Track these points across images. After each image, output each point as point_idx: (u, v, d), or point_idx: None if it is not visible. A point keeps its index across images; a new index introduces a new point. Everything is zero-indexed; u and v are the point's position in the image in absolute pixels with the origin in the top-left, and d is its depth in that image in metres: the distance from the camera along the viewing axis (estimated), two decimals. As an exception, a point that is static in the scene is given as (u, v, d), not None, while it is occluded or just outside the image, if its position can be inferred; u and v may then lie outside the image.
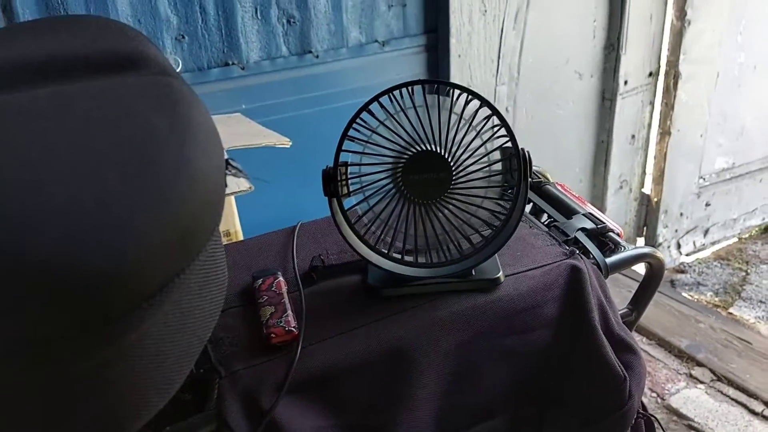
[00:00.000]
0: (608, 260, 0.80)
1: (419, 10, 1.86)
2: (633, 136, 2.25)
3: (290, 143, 1.38)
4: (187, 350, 0.49)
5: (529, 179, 0.69)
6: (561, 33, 1.99)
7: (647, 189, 2.38)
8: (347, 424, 0.66)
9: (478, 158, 0.68)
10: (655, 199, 2.35)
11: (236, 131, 1.43)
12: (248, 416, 0.62)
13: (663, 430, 0.76)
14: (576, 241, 0.81)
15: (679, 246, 2.50)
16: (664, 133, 2.27)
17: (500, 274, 0.73)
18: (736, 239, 2.68)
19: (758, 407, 1.84)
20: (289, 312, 0.69)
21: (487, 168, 0.69)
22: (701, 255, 2.59)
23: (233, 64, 1.61)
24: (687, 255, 2.54)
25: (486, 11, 1.86)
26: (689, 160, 2.34)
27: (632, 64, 2.10)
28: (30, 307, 0.36)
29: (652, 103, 2.23)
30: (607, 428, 0.72)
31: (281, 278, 0.74)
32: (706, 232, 2.55)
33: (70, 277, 0.36)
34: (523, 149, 0.68)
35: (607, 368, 0.71)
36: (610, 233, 0.84)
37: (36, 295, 0.36)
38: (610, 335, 0.73)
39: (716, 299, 2.37)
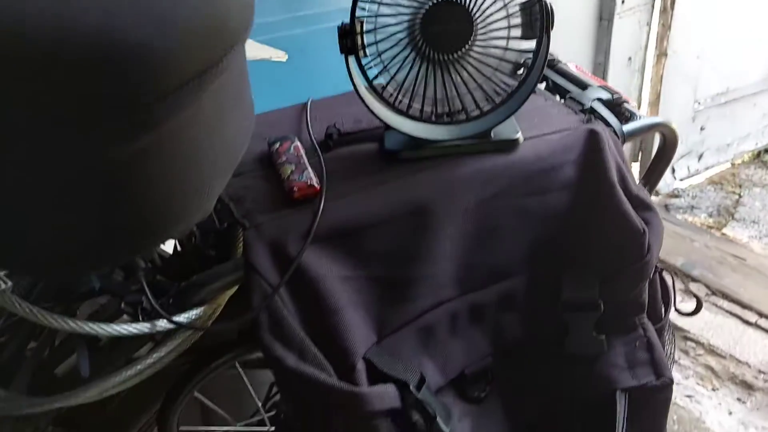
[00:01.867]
0: (624, 128, 0.80)
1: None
2: (630, 58, 2.23)
3: (286, 57, 1.36)
4: (224, 157, 0.48)
5: (551, 31, 0.68)
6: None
7: (643, 112, 2.37)
8: (371, 276, 0.66)
9: (499, 8, 0.67)
10: (651, 123, 2.34)
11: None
12: (276, 263, 0.62)
13: (674, 285, 0.77)
14: (592, 110, 0.80)
15: (673, 171, 2.51)
16: (661, 54, 2.24)
17: (519, 135, 0.73)
18: (729, 164, 2.69)
19: (752, 318, 1.88)
20: (310, 170, 0.68)
21: (508, 18, 0.67)
22: (695, 180, 2.60)
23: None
24: (681, 180, 2.55)
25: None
26: (685, 83, 2.33)
27: (630, -18, 2.06)
28: (76, 83, 0.35)
29: (649, 24, 2.20)
30: (627, 281, 0.73)
31: (298, 142, 0.73)
32: (700, 157, 2.56)
33: (114, 50, 0.35)
34: (544, 0, 0.67)
35: (627, 223, 0.71)
36: (626, 104, 0.83)
37: (82, 71, 0.35)
38: (628, 194, 0.73)
39: (710, 221, 2.40)
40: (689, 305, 1.87)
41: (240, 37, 0.44)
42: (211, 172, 0.48)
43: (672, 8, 2.17)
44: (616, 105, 0.82)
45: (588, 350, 0.73)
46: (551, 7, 0.68)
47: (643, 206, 0.74)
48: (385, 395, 0.61)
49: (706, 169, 2.62)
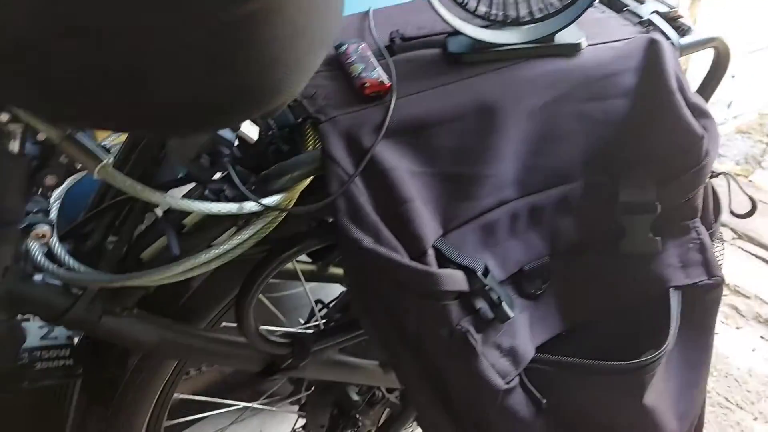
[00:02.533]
0: (681, 41, 0.81)
1: None
2: None
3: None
4: (321, 33, 0.50)
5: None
6: None
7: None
8: (437, 173, 0.69)
9: None
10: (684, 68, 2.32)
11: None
12: (350, 154, 0.64)
13: (739, 186, 0.79)
14: (650, 23, 0.81)
15: (702, 118, 2.49)
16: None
17: (582, 40, 0.74)
18: (757, 114, 2.68)
19: (777, 260, 1.91)
20: (379, 68, 0.70)
21: None
22: (723, 129, 2.59)
23: None
24: (710, 127, 2.54)
25: None
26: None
27: None
28: None
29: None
30: (684, 185, 0.75)
31: (365, 44, 0.75)
32: (729, 105, 2.54)
33: None
34: None
35: (686, 128, 0.73)
36: (681, 18, 0.84)
37: None
38: (686, 101, 0.75)
39: (737, 169, 2.40)
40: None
41: None
42: (310, 46, 0.50)
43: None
44: (672, 19, 0.83)
45: (643, 250, 0.75)
46: None
47: (700, 113, 0.76)
48: (456, 278, 0.64)
49: (735, 118, 2.61)
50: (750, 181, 2.32)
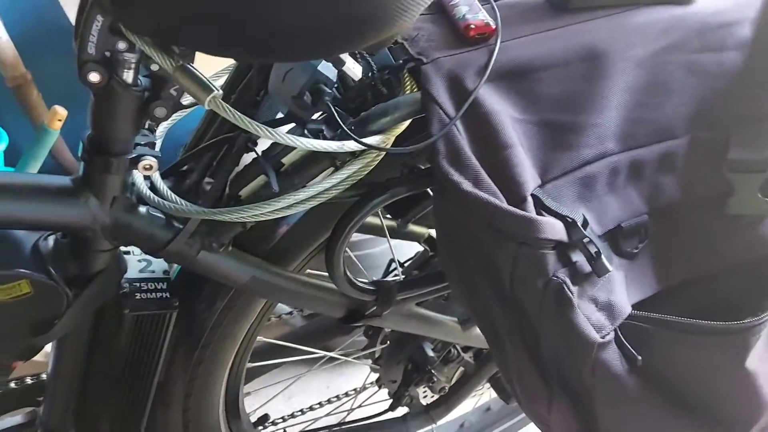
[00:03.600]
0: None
1: None
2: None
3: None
4: None
5: None
6: None
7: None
8: (539, 121, 0.67)
9: None
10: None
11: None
12: (453, 96, 0.63)
13: None
14: (770, -29, 0.76)
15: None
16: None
17: (697, -14, 0.70)
18: None
19: None
20: (483, 11, 0.68)
21: None
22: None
23: None
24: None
25: None
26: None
27: None
28: None
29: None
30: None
31: (468, -13, 0.73)
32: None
33: None
34: None
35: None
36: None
37: None
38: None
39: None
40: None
41: None
42: None
43: None
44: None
45: (751, 211, 0.72)
46: None
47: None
48: (555, 226, 0.63)
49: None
50: None
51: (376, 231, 0.96)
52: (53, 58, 1.49)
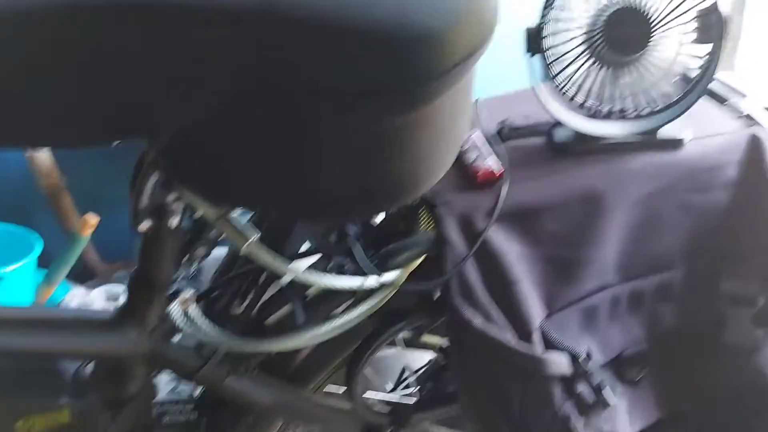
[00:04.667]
0: (786, 134, 0.83)
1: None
2: None
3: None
4: (460, 131, 0.57)
5: (724, 39, 0.72)
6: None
7: None
8: (543, 256, 0.73)
9: (677, 15, 0.72)
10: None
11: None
12: (464, 236, 0.70)
13: None
14: (751, 117, 0.83)
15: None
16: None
17: (684, 135, 0.78)
18: None
19: None
20: (490, 156, 0.76)
21: (685, 25, 0.72)
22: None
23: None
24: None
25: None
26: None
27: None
28: (363, 58, 0.44)
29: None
30: (790, 280, 0.76)
31: (477, 132, 0.81)
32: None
33: (401, 32, 0.44)
34: (720, 9, 0.72)
35: (792, 222, 0.75)
36: (785, 112, 0.86)
37: (376, 51, 0.44)
38: (791, 195, 0.76)
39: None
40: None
41: (492, 31, 0.52)
42: (451, 144, 0.56)
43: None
44: (775, 112, 0.85)
45: (745, 342, 0.76)
46: (728, 16, 0.72)
47: (806, 209, 0.77)
48: (561, 362, 0.67)
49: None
50: None
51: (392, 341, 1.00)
52: (86, 166, 1.59)
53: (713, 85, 0.90)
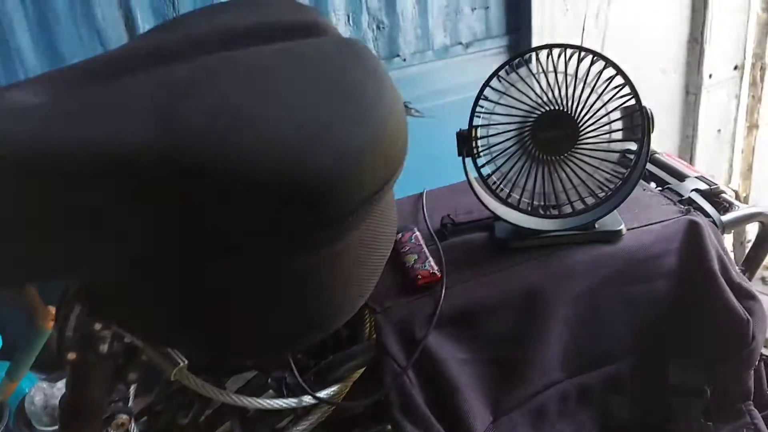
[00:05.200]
0: (723, 218, 0.84)
1: (501, 12, 1.91)
2: (719, 131, 2.23)
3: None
4: (378, 260, 0.57)
5: (651, 134, 0.74)
6: (643, 29, 2.01)
7: (735, 184, 2.34)
8: (487, 359, 0.72)
9: (602, 116, 0.74)
10: (744, 195, 2.31)
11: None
12: (403, 345, 0.69)
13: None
14: (691, 201, 0.85)
15: (769, 242, 2.44)
16: (752, 126, 2.24)
17: (622, 226, 0.78)
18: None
19: None
20: (431, 259, 0.76)
21: (610, 124, 0.74)
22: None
23: (327, 69, 1.70)
24: (778, 251, 2.47)
25: (567, 9, 1.90)
26: (778, 154, 2.30)
27: (717, 57, 2.09)
28: (266, 206, 0.44)
29: (738, 97, 2.21)
30: (732, 369, 0.75)
31: (418, 232, 0.81)
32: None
33: (302, 178, 0.44)
34: (645, 106, 0.74)
35: (730, 312, 0.75)
36: (723, 194, 0.87)
37: (276, 195, 0.44)
38: (730, 283, 0.77)
39: (812, 294, 2.31)
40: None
41: (402, 162, 0.53)
42: (371, 273, 0.56)
43: (762, 81, 2.17)
44: (713, 196, 0.87)
45: (697, 435, 0.75)
46: (651, 112, 0.74)
47: (746, 295, 0.77)
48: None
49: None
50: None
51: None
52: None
53: (654, 170, 0.92)
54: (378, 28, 1.76)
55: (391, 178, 0.50)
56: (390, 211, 0.58)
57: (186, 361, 0.62)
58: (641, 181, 0.92)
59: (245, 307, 0.50)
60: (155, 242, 0.46)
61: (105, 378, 0.64)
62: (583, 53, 0.74)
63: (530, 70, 0.75)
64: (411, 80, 1.83)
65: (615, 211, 0.79)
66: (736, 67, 2.16)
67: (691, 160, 2.21)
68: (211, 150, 0.43)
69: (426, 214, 0.86)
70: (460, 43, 1.88)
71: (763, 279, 2.40)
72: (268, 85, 0.48)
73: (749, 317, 0.75)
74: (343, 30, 1.69)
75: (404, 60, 1.80)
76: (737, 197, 2.35)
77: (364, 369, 0.72)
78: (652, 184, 0.93)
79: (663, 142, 2.19)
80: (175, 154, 0.44)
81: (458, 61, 1.87)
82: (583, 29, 1.98)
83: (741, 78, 2.19)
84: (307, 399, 0.67)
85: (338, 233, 0.47)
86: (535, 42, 1.89)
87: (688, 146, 2.21)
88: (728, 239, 2.30)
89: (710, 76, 2.12)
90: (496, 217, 0.80)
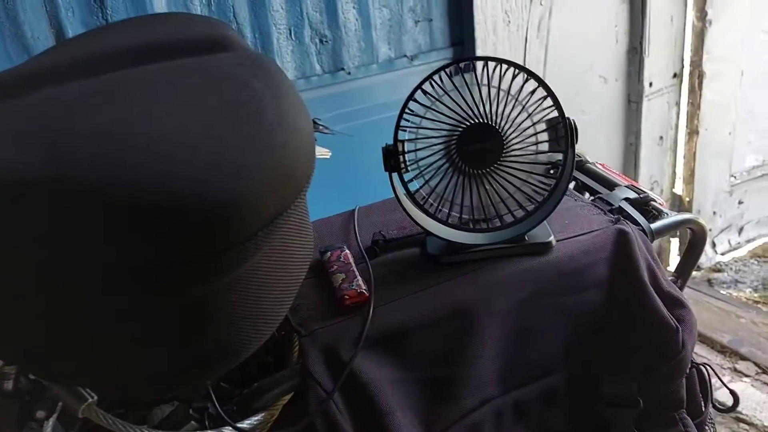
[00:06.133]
0: (653, 225, 0.84)
1: (445, 24, 1.92)
2: (661, 138, 2.28)
3: (329, 154, 1.44)
4: (289, 286, 0.55)
5: (576, 145, 0.74)
6: (584, 39, 2.05)
7: (678, 189, 2.40)
8: (418, 378, 0.71)
9: (527, 128, 0.73)
10: (687, 199, 2.36)
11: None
12: (329, 369, 0.67)
13: (719, 377, 0.79)
14: (620, 210, 0.85)
15: (714, 245, 2.50)
16: (692, 132, 2.29)
17: (552, 238, 0.78)
18: (771, 236, 2.67)
19: (807, 396, 1.83)
20: (359, 278, 0.74)
21: (536, 135, 0.74)
22: (737, 253, 2.58)
23: (271, 84, 1.68)
24: (722, 254, 2.54)
25: (510, 21, 1.92)
26: (719, 159, 2.36)
27: (656, 65, 2.14)
28: (157, 234, 0.42)
29: (678, 104, 2.27)
30: (663, 378, 0.75)
31: (347, 250, 0.79)
32: (740, 230, 2.55)
33: (195, 204, 0.42)
34: (569, 117, 0.74)
35: (659, 320, 0.75)
36: (653, 202, 0.88)
37: (164, 222, 0.42)
38: (659, 292, 0.77)
39: (755, 295, 2.37)
40: (739, 385, 1.84)
41: (307, 182, 0.51)
42: (280, 299, 0.54)
43: (700, 88, 2.23)
44: (643, 204, 0.87)
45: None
46: (575, 124, 0.74)
47: (675, 303, 0.78)
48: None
49: (748, 242, 2.61)
50: (771, 308, 2.28)
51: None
52: None
53: (586, 180, 0.93)
54: (321, 42, 1.75)
55: (295, 200, 0.49)
56: (301, 231, 0.56)
57: (95, 397, 0.59)
58: (573, 191, 0.92)
59: (143, 340, 0.47)
60: (43, 275, 0.43)
61: (14, 415, 0.61)
62: (505, 66, 0.73)
63: (455, 84, 0.74)
64: (356, 93, 1.82)
65: (545, 222, 0.78)
66: (675, 75, 2.22)
67: (634, 168, 2.25)
68: (96, 179, 0.41)
69: (357, 232, 0.84)
70: (405, 56, 1.89)
71: (709, 281, 2.46)
72: (159, 107, 0.46)
73: (678, 325, 0.75)
74: (285, 45, 1.68)
75: (349, 73, 1.80)
76: (681, 202, 2.40)
77: (292, 395, 0.70)
78: (587, 195, 0.94)
79: (607, 150, 2.23)
80: (60, 184, 0.41)
81: (403, 74, 1.88)
82: (526, 40, 2.00)
83: (680, 85, 2.24)
84: (228, 431, 0.64)
85: (236, 259, 0.45)
86: (479, 53, 1.91)
87: (631, 154, 2.25)
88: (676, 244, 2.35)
89: (650, 84, 2.16)
90: (427, 233, 0.79)
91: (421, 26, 1.90)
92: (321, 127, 0.56)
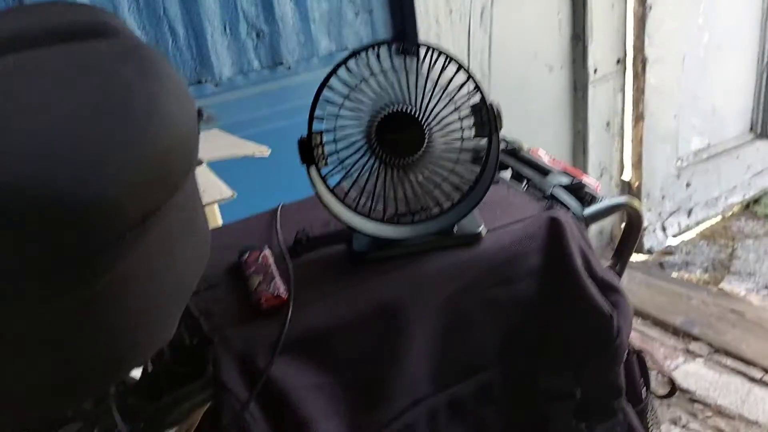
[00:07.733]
0: (586, 211, 0.82)
1: (386, 15, 1.89)
2: (608, 124, 2.29)
3: (269, 152, 1.39)
4: (180, 285, 0.50)
5: (500, 130, 0.71)
6: (527, 27, 2.04)
7: (627, 175, 2.41)
8: (343, 382, 0.67)
9: (448, 113, 0.70)
10: (636, 184, 2.38)
11: (215, 144, 1.45)
12: (245, 377, 0.63)
13: (660, 365, 0.77)
14: (553, 197, 0.82)
15: (664, 228, 2.53)
16: (638, 117, 2.31)
17: (481, 228, 0.75)
18: (719, 217, 2.71)
19: (757, 374, 1.85)
20: (277, 279, 0.70)
21: (458, 121, 0.71)
22: (687, 236, 2.61)
23: (206, 81, 1.62)
24: (673, 236, 2.56)
25: (452, 11, 1.90)
26: (665, 143, 2.38)
27: (600, 52, 2.14)
28: (14, 239, 0.37)
29: (623, 90, 2.28)
30: (600, 366, 0.73)
31: (267, 251, 0.75)
32: (689, 213, 2.58)
33: (47, 206, 0.37)
34: (491, 102, 0.70)
35: (592, 308, 0.73)
36: (586, 187, 0.85)
37: (12, 228, 0.37)
38: (593, 277, 0.75)
39: (706, 276, 2.39)
40: (692, 366, 1.85)
41: (184, 178, 0.46)
42: (168, 301, 0.49)
43: (643, 73, 2.24)
44: (576, 189, 0.85)
45: (569, 438, 0.73)
46: (498, 108, 0.71)
47: (609, 289, 0.75)
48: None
49: (697, 224, 2.64)
50: (720, 289, 2.30)
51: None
52: None
53: (520, 167, 0.90)
54: (257, 36, 1.70)
55: (170, 198, 0.44)
56: (188, 230, 0.51)
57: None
58: (508, 180, 0.89)
59: (11, 357, 0.42)
60: None
61: None
62: (423, 50, 0.70)
63: (372, 70, 0.70)
64: (298, 89, 1.78)
65: (475, 212, 0.75)
66: (618, 61, 2.22)
67: (583, 155, 2.25)
68: None
69: (279, 231, 0.80)
70: (347, 49, 1.84)
71: (660, 265, 2.48)
72: (15, 96, 0.41)
73: (612, 312, 0.73)
74: (220, 41, 1.62)
75: (289, 68, 1.75)
76: (630, 187, 2.41)
77: (210, 407, 0.65)
78: (524, 183, 0.91)
79: (555, 138, 2.22)
80: None
81: (346, 68, 1.83)
82: (469, 30, 1.98)
83: (624, 71, 2.25)
84: (136, 451, 0.59)
85: (102, 265, 0.40)
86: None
87: (580, 141, 2.25)
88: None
89: (595, 71, 2.16)
90: (350, 229, 0.75)
91: (362, 18, 1.86)
92: (205, 117, 0.51)
